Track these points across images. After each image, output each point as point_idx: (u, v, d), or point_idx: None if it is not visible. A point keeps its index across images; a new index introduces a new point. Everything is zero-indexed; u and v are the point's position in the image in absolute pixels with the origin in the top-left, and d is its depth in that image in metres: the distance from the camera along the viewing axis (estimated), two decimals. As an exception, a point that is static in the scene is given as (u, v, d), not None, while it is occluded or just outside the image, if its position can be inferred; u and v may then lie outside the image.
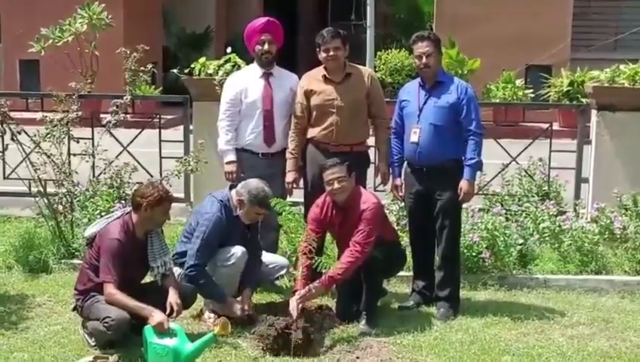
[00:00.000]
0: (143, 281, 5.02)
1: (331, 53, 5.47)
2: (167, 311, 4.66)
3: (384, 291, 5.50)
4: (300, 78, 5.85)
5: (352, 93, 5.54)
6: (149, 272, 4.92)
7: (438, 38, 5.46)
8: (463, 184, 5.25)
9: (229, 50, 7.09)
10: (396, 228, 5.97)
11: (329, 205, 5.16)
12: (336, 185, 5.03)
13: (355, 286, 5.11)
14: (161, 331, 4.47)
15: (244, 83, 5.81)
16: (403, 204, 5.84)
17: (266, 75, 5.80)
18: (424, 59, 5.30)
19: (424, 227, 5.47)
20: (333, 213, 5.15)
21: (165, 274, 4.86)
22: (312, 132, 5.60)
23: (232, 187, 5.29)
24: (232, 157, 5.77)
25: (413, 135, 5.32)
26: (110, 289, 4.61)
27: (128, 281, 4.70)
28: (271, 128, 5.75)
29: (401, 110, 5.47)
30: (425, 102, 5.33)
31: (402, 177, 5.55)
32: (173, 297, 4.74)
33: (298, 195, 5.89)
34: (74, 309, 4.93)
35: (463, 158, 5.29)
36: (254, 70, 5.86)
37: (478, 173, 5.57)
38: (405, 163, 5.52)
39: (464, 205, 5.62)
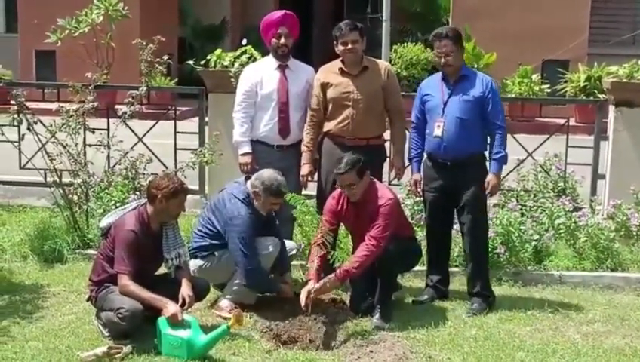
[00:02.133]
0: (156, 273, 5.02)
1: (349, 46, 5.44)
2: (179, 303, 4.66)
3: (398, 285, 5.49)
4: (315, 70, 5.83)
5: (369, 86, 5.51)
6: (163, 264, 4.92)
7: (459, 34, 5.38)
8: (490, 178, 5.25)
9: (244, 41, 7.08)
10: (410, 222, 5.95)
11: (344, 198, 5.16)
12: (347, 191, 5.07)
13: (369, 280, 5.10)
14: (175, 323, 4.48)
15: (260, 75, 5.79)
16: (421, 198, 5.79)
17: (282, 68, 5.78)
18: (443, 59, 5.28)
19: (442, 222, 5.45)
20: (349, 206, 5.14)
21: (179, 266, 4.86)
22: (328, 125, 5.58)
23: (247, 178, 5.29)
24: (246, 148, 5.76)
25: (437, 128, 5.28)
26: (124, 280, 4.62)
27: (142, 273, 4.71)
28: (286, 120, 5.74)
29: (423, 104, 5.42)
30: (449, 96, 5.28)
31: (421, 172, 5.52)
32: (185, 289, 4.74)
33: (313, 188, 5.88)
34: (88, 299, 4.94)
35: (485, 152, 5.27)
36: (270, 62, 5.84)
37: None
38: (425, 157, 5.49)
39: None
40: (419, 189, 5.56)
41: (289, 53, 5.81)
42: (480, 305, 5.28)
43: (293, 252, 5.59)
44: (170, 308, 4.54)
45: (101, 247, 4.98)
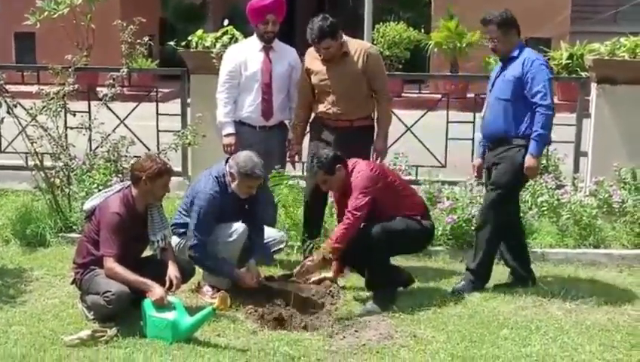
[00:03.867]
0: (142, 255, 5.00)
1: (322, 51, 5.43)
2: (167, 285, 4.65)
3: (408, 277, 5.28)
4: (297, 51, 5.82)
5: (347, 73, 5.46)
6: (148, 246, 4.91)
7: (505, 18, 5.23)
8: (527, 158, 5.06)
9: (226, 22, 7.03)
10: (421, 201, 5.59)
11: None
12: (322, 186, 5.13)
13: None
14: (161, 305, 4.47)
15: (244, 55, 5.76)
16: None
17: (266, 49, 5.74)
18: (491, 43, 5.32)
19: None
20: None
21: (165, 247, 4.85)
22: (317, 107, 5.60)
23: (228, 160, 5.26)
24: (230, 129, 5.74)
25: (485, 108, 5.34)
26: (110, 263, 4.59)
27: (128, 255, 4.69)
28: (269, 102, 5.72)
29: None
30: (497, 77, 5.29)
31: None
32: (172, 271, 4.73)
33: (299, 169, 5.88)
34: (72, 282, 4.92)
35: (524, 135, 5.08)
36: (254, 43, 5.81)
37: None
38: None
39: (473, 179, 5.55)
40: (475, 174, 5.55)
41: (275, 37, 5.77)
42: (467, 283, 5.26)
43: (282, 246, 5.48)
44: (156, 291, 4.52)
45: (85, 230, 4.95)
